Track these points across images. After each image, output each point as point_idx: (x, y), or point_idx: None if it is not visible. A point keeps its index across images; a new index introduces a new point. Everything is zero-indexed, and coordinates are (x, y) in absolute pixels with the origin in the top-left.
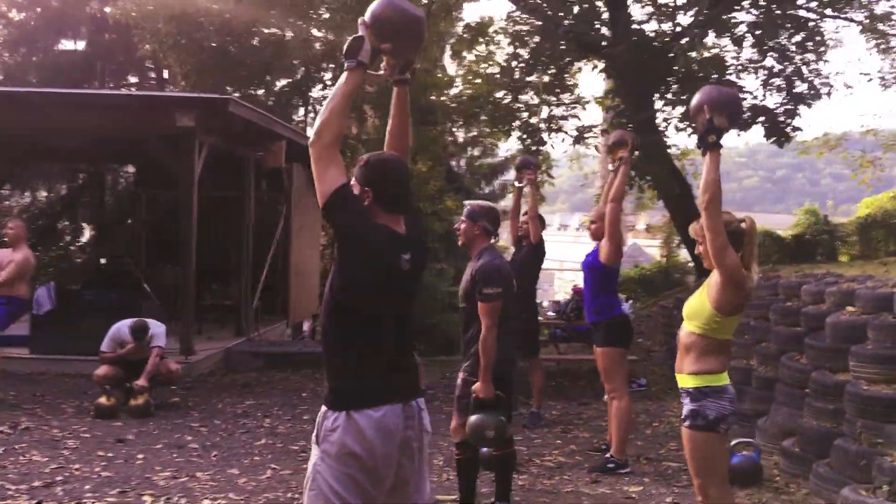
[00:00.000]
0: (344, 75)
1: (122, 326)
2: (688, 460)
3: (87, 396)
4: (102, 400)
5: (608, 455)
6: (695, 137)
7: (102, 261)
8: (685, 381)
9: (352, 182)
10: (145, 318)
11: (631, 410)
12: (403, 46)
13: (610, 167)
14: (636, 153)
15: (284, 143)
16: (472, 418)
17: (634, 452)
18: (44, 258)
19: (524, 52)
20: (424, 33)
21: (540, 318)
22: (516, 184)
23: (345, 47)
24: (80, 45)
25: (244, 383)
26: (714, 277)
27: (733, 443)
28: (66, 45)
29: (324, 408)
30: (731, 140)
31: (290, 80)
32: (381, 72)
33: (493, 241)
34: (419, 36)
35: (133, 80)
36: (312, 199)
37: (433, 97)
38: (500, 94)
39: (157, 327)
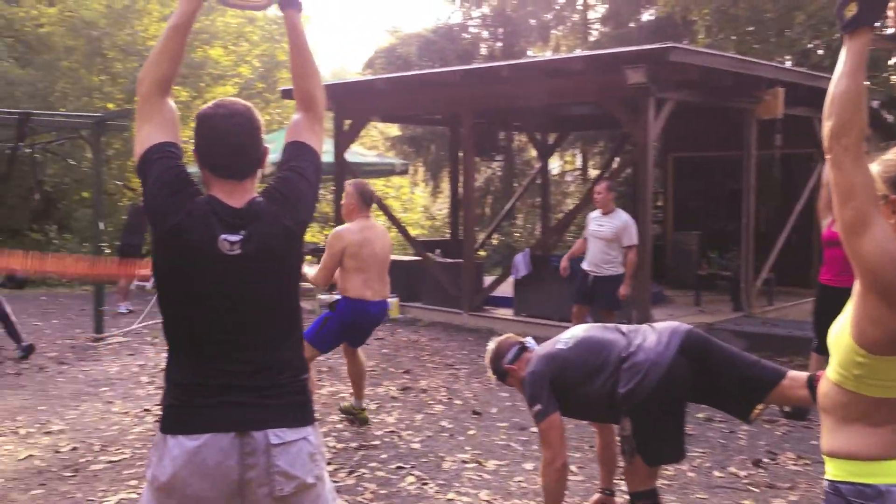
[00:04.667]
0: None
1: None
2: None
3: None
4: None
5: None
6: None
7: None
8: (826, 463)
9: None
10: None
11: None
12: None
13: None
14: None
15: (781, 89)
16: None
17: None
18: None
19: None
20: None
21: None
22: None
23: None
24: (650, 16)
25: None
26: (856, 284)
27: None
28: (645, 17)
29: None
30: None
31: None
32: None
33: None
34: None
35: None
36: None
37: None
38: None
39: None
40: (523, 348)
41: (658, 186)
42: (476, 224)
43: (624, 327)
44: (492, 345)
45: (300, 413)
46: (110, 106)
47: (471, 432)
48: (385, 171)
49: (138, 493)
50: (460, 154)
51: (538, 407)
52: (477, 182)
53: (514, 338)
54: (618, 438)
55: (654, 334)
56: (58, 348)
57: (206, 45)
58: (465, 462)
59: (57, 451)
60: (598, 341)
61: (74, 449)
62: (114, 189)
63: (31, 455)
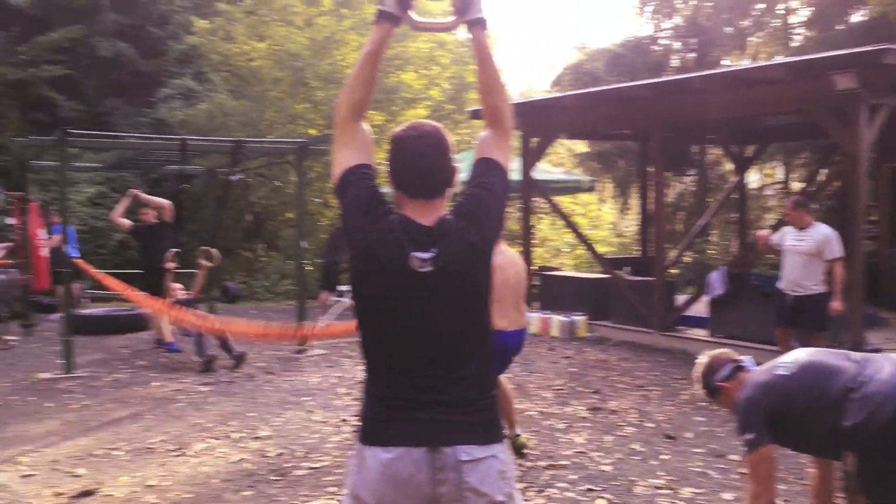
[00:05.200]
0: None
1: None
2: None
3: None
4: None
5: None
6: None
7: None
8: None
9: None
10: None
11: None
12: None
13: None
14: None
15: None
16: None
17: None
18: None
19: None
20: None
21: None
22: None
23: None
24: (861, 17)
25: None
26: None
27: None
28: (855, 18)
29: None
30: None
31: None
32: (450, 19)
33: None
34: None
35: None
36: None
37: None
38: None
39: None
40: (739, 367)
41: (871, 199)
42: (667, 241)
43: (854, 354)
44: (704, 358)
45: (489, 430)
46: (312, 132)
47: (663, 457)
48: (572, 188)
49: (337, 500)
50: (649, 169)
51: (750, 436)
52: (668, 197)
53: (730, 354)
54: (839, 475)
55: (890, 365)
56: (265, 359)
57: (399, 70)
58: (658, 488)
59: (264, 456)
60: (823, 368)
61: (280, 454)
62: (314, 209)
63: (242, 458)
